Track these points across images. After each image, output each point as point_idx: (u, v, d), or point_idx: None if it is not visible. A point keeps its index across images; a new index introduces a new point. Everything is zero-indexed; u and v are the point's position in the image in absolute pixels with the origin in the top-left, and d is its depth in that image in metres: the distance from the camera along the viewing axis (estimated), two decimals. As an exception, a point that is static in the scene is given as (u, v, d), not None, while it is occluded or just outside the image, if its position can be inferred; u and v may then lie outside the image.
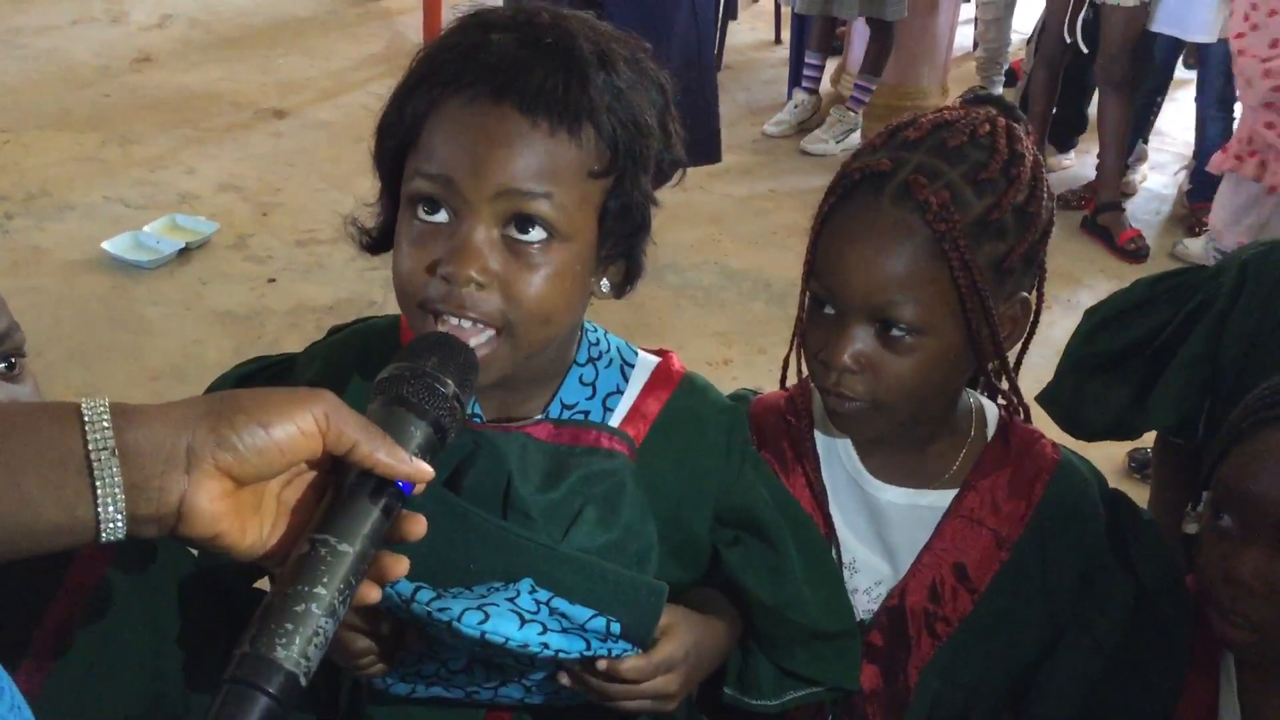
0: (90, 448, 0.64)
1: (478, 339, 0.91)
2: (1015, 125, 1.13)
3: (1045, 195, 1.11)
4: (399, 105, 0.95)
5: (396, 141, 0.95)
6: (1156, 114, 4.34)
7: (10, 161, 4.15)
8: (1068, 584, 1.17)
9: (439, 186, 0.91)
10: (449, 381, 0.79)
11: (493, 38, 0.92)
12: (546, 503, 0.98)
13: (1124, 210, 4.06)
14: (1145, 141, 4.39)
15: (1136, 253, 3.92)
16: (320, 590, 0.68)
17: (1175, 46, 3.89)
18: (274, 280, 3.56)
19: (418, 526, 0.75)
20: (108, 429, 0.65)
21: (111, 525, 0.65)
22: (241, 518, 0.70)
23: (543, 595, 0.92)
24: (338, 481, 0.73)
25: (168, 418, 0.67)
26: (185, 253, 3.63)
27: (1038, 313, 1.15)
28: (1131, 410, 1.47)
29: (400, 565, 0.75)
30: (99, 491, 0.64)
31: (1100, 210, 3.99)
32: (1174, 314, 1.45)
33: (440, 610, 0.90)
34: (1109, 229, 3.96)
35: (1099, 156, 4.04)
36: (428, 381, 0.78)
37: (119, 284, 3.49)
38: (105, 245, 3.58)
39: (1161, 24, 3.82)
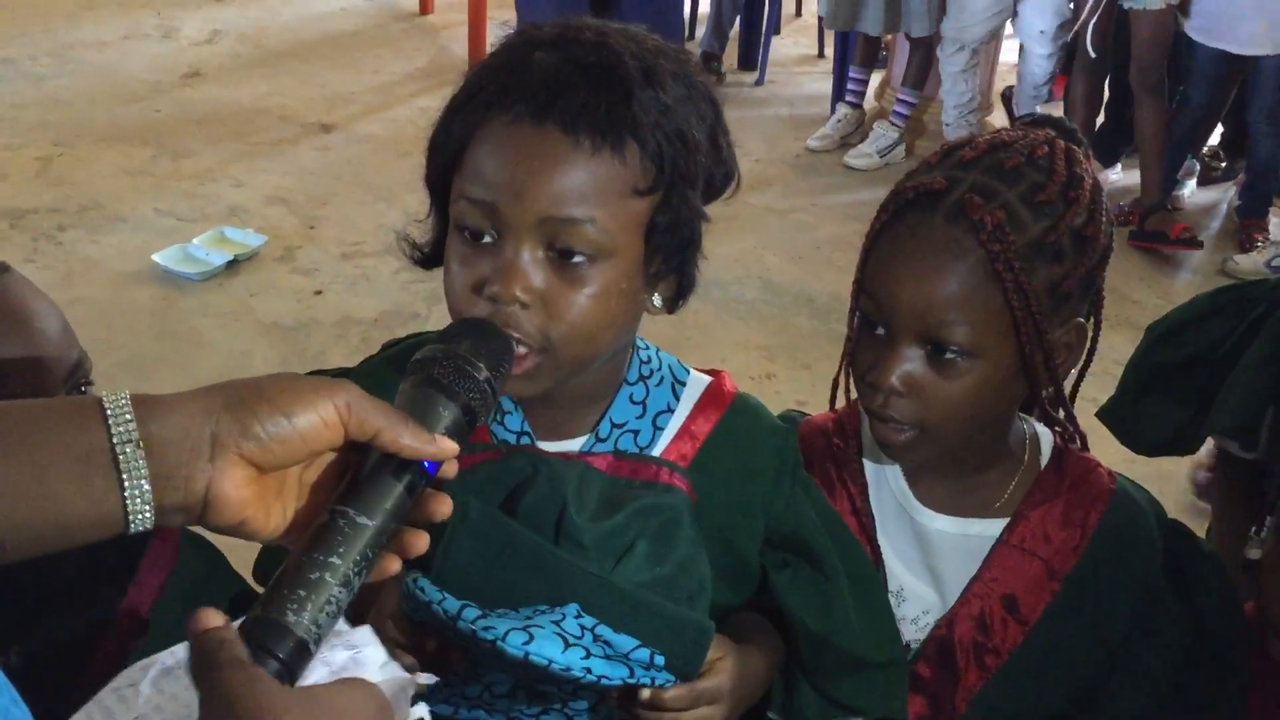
0: (114, 441, 0.65)
1: (521, 353, 0.92)
2: (1075, 148, 1.11)
3: (1104, 219, 1.09)
4: (446, 124, 0.95)
5: (444, 160, 0.96)
6: (1209, 131, 4.27)
7: (63, 174, 4.22)
8: (1122, 618, 1.14)
9: (482, 213, 0.91)
10: (481, 365, 0.79)
11: (536, 56, 0.92)
12: (600, 532, 0.97)
13: (1170, 210, 4.00)
14: (1194, 157, 4.34)
15: (1192, 240, 3.86)
16: (335, 560, 0.68)
17: (1226, 61, 3.82)
18: (320, 292, 3.59)
19: (443, 506, 0.76)
20: (130, 421, 0.65)
21: (140, 516, 0.66)
22: (266, 503, 0.71)
23: (588, 621, 0.92)
24: (360, 459, 0.74)
25: (191, 407, 0.68)
26: (233, 265, 3.67)
27: (1095, 339, 1.13)
28: (1192, 423, 1.45)
29: (421, 540, 0.75)
30: (125, 484, 0.65)
31: (1146, 214, 3.93)
32: (1236, 325, 1.43)
33: (485, 629, 0.91)
34: (1160, 229, 3.90)
35: (1140, 164, 3.99)
36: (460, 364, 0.78)
37: (168, 295, 3.53)
38: (155, 257, 3.62)
39: (1205, 36, 3.77)
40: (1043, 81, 4.24)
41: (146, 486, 0.65)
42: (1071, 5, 4.10)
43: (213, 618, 0.66)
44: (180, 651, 0.80)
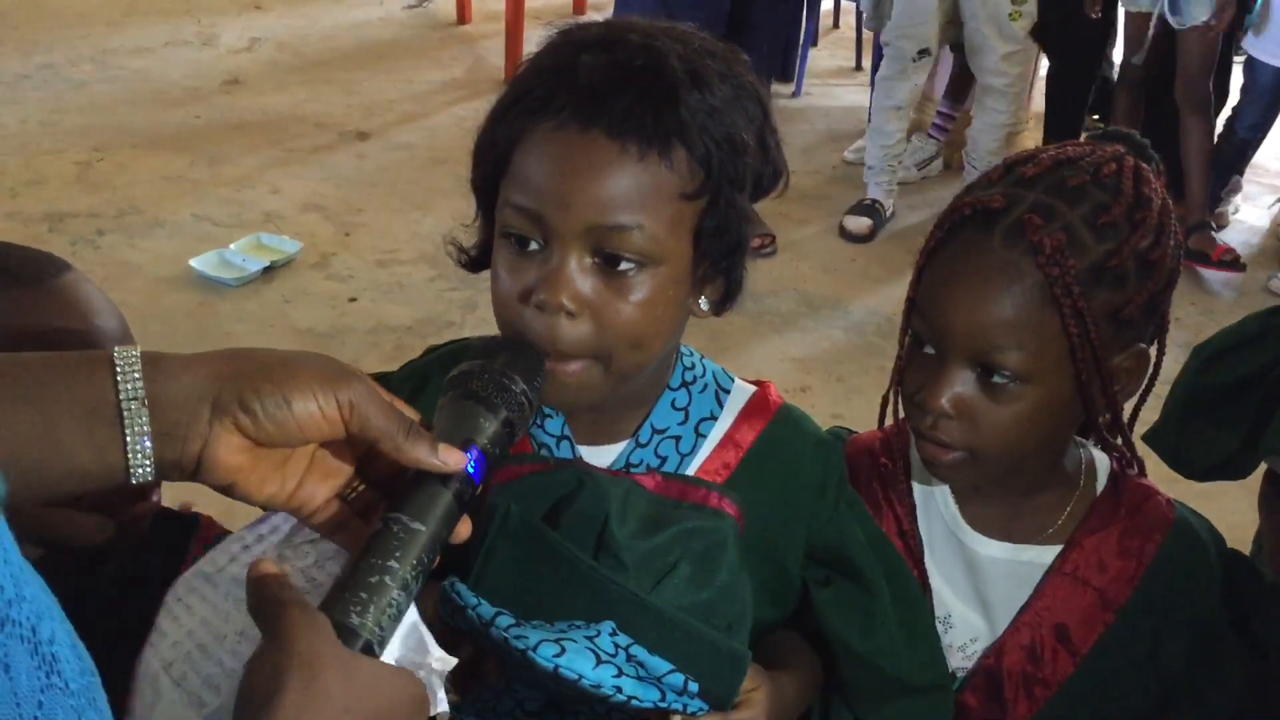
0: (121, 397, 0.67)
1: (573, 365, 0.91)
2: (1145, 166, 1.06)
3: (1172, 242, 1.04)
4: (491, 129, 0.94)
5: (490, 165, 0.94)
6: (1256, 149, 4.22)
7: (103, 179, 4.26)
8: (1179, 651, 1.10)
9: (528, 221, 0.90)
10: (517, 378, 0.80)
11: (582, 59, 0.90)
12: (641, 551, 0.95)
13: (1214, 228, 3.96)
14: (1240, 174, 4.28)
15: (1234, 263, 3.82)
16: (394, 564, 0.69)
17: (1278, 77, 3.79)
18: (355, 299, 3.60)
19: (463, 528, 0.76)
20: (138, 378, 0.67)
21: (140, 470, 0.68)
22: (260, 473, 0.72)
23: (623, 640, 0.91)
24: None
25: (199, 370, 0.69)
26: (269, 271, 3.69)
27: (1158, 365, 1.08)
28: (1243, 448, 1.41)
29: (464, 527, 0.76)
30: (128, 438, 0.67)
31: (1190, 233, 3.89)
32: None
33: (517, 638, 0.89)
34: (1202, 249, 3.86)
35: (1185, 181, 3.95)
36: (497, 377, 0.80)
37: (205, 300, 3.55)
38: (192, 262, 3.65)
39: (1262, 52, 3.73)
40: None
41: (148, 443, 0.67)
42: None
43: (270, 565, 0.69)
44: (220, 558, 0.83)
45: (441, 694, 0.73)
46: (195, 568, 0.87)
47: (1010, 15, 3.82)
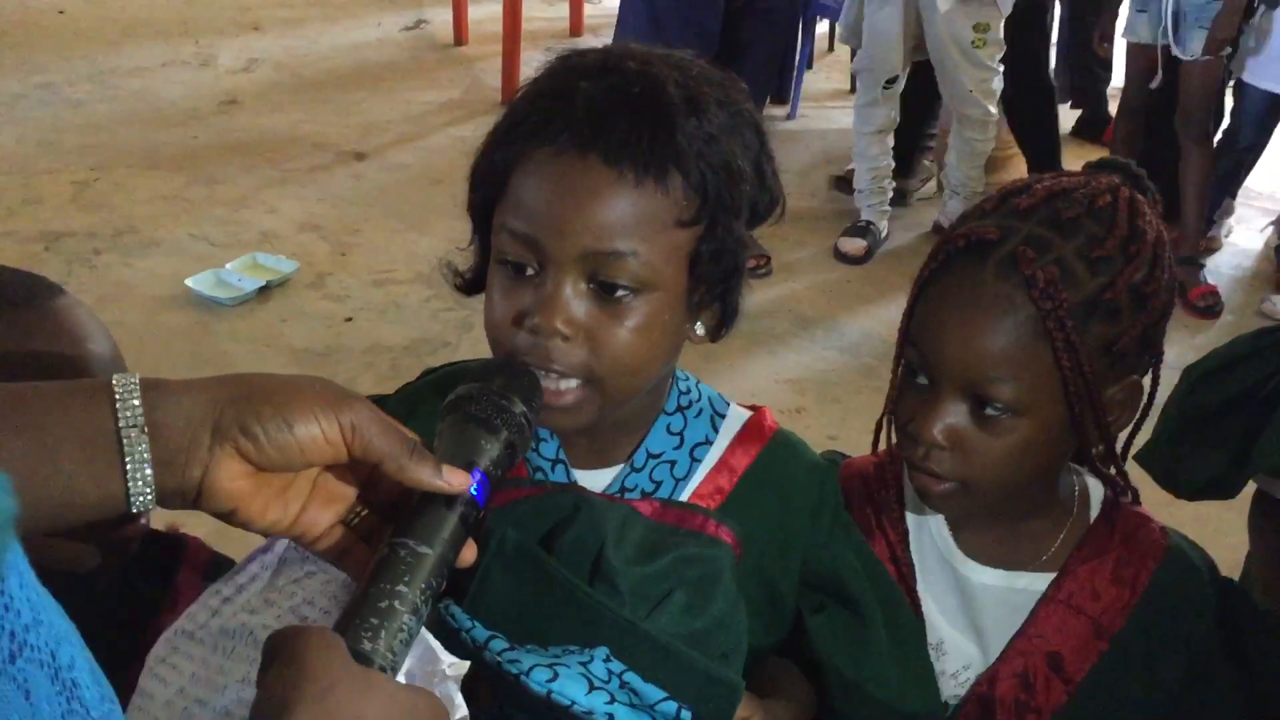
0: (120, 424, 0.66)
1: (565, 386, 0.91)
2: (1140, 197, 1.06)
3: (1166, 275, 1.05)
4: (489, 154, 0.95)
5: (486, 190, 0.95)
6: (1248, 173, 4.24)
7: (100, 199, 4.26)
8: (1173, 680, 1.09)
9: (524, 247, 0.90)
10: (516, 400, 0.80)
11: (580, 85, 0.91)
12: (637, 577, 0.95)
13: (1201, 266, 3.96)
14: (1233, 197, 4.30)
15: (1208, 309, 3.80)
16: (403, 589, 0.69)
17: (1270, 101, 3.81)
18: (351, 319, 3.61)
19: (468, 552, 0.75)
20: (138, 406, 0.67)
21: (140, 498, 0.67)
22: (262, 499, 0.72)
23: (616, 667, 0.90)
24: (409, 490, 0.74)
25: (199, 396, 0.69)
26: (265, 291, 3.69)
27: (1152, 395, 1.08)
28: (1233, 467, 1.41)
29: (469, 551, 0.75)
30: (128, 466, 0.67)
31: (1177, 264, 3.90)
32: (1279, 367, 1.39)
33: (510, 662, 0.89)
34: (1182, 283, 3.86)
35: (1181, 209, 3.97)
36: (495, 400, 0.80)
37: (201, 320, 3.55)
38: (188, 282, 3.65)
39: (1256, 77, 3.75)
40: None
41: (148, 470, 0.67)
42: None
43: None
44: (200, 614, 0.82)
45: (460, 699, 0.72)
46: (175, 626, 0.86)
47: (974, 43, 3.83)
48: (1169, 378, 1.15)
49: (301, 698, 0.62)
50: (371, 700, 0.64)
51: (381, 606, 0.68)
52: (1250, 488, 1.51)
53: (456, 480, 0.73)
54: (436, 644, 0.73)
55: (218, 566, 1.17)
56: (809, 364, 3.51)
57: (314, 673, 0.62)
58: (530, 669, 0.88)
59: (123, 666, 1.01)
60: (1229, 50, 3.75)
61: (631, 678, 0.90)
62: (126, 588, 1.10)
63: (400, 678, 0.69)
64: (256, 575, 0.86)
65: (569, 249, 0.89)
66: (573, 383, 0.91)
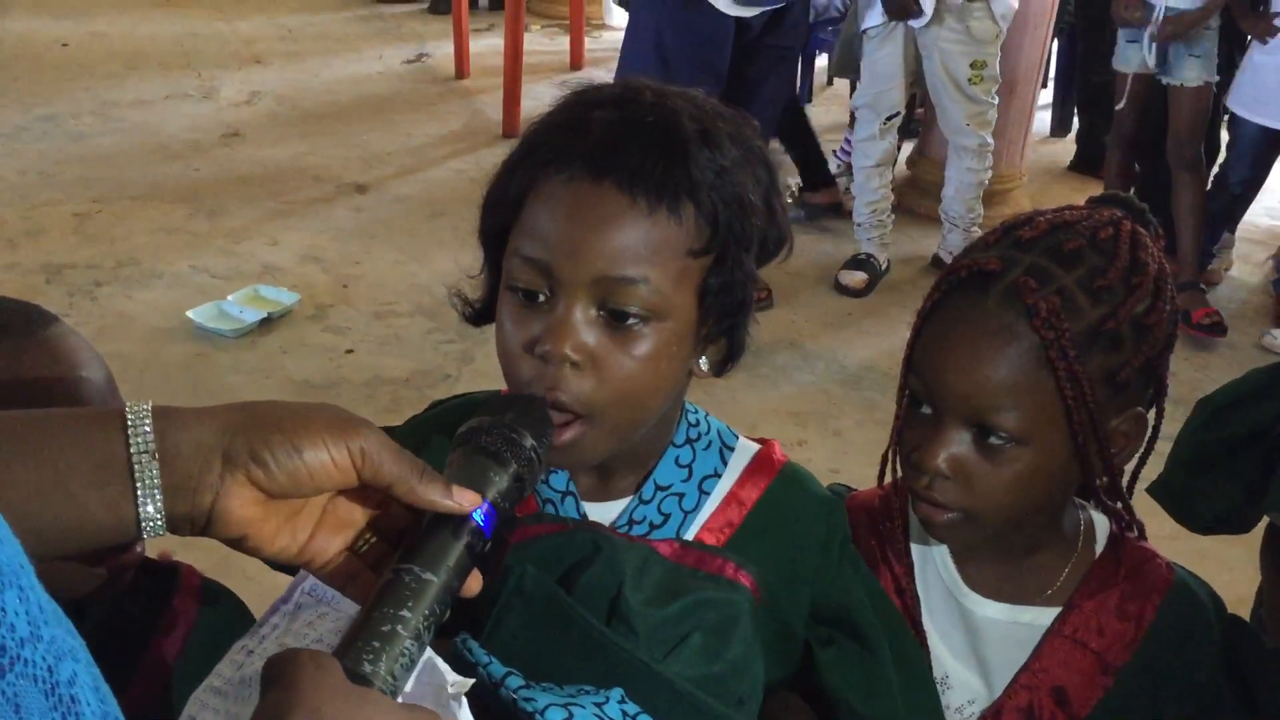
0: (132, 450, 0.67)
1: (559, 420, 0.91)
2: (1141, 230, 1.07)
3: (1168, 307, 1.06)
4: (503, 181, 0.95)
5: (500, 217, 0.95)
6: (1245, 207, 4.25)
7: (101, 231, 4.28)
8: (1178, 717, 1.09)
9: (536, 273, 0.91)
10: (527, 434, 0.80)
11: (595, 115, 0.92)
12: (654, 619, 0.95)
13: (1203, 290, 3.98)
14: (1232, 232, 4.32)
15: (1213, 328, 3.82)
16: (406, 614, 0.69)
17: (1264, 135, 3.83)
18: (351, 351, 3.61)
19: (473, 582, 0.75)
20: (149, 432, 0.67)
21: (151, 524, 0.68)
22: (273, 525, 0.72)
23: (631, 708, 0.90)
24: (418, 514, 0.74)
25: (210, 423, 0.69)
26: (267, 322, 3.70)
27: (1156, 428, 1.09)
28: (1246, 501, 1.41)
29: (475, 581, 0.75)
30: (139, 492, 0.67)
31: (1178, 291, 3.91)
32: None
33: (526, 700, 0.89)
34: (1186, 308, 3.88)
35: (1177, 240, 3.99)
36: (506, 432, 0.80)
37: (202, 352, 3.56)
38: (190, 314, 3.66)
39: (1243, 108, 3.78)
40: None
41: (159, 496, 0.67)
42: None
43: None
44: (226, 669, 0.82)
45: (467, 714, 0.72)
46: (205, 684, 0.85)
47: (971, 80, 3.91)
48: (1171, 407, 1.15)
49: (294, 718, 0.61)
50: (366, 718, 0.63)
51: (384, 630, 0.68)
52: (1260, 523, 1.51)
53: (467, 500, 0.73)
54: (441, 662, 0.73)
55: (209, 591, 1.17)
56: (810, 396, 3.51)
57: (305, 693, 0.62)
58: (545, 708, 0.88)
59: (120, 689, 1.01)
60: (1217, 78, 3.79)
61: (645, 719, 0.89)
62: (120, 616, 1.10)
63: (403, 695, 0.69)
64: (277, 625, 0.86)
65: (581, 274, 0.89)
66: (573, 422, 0.91)
